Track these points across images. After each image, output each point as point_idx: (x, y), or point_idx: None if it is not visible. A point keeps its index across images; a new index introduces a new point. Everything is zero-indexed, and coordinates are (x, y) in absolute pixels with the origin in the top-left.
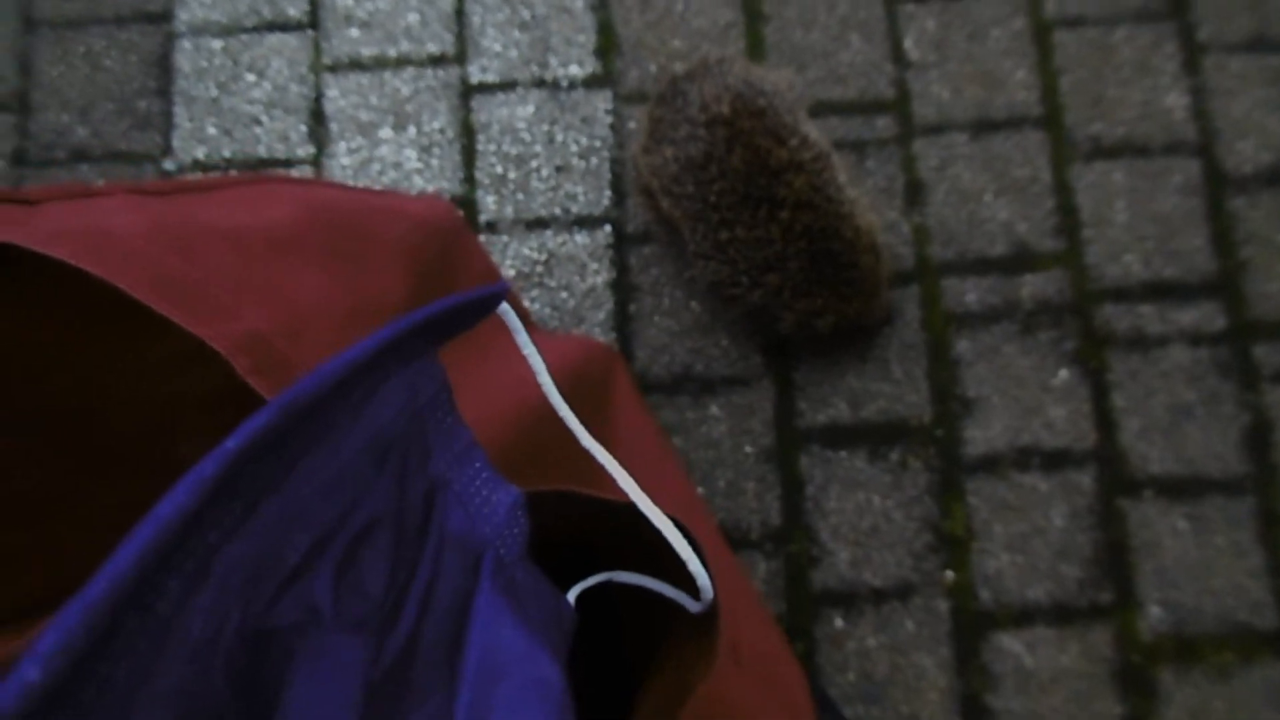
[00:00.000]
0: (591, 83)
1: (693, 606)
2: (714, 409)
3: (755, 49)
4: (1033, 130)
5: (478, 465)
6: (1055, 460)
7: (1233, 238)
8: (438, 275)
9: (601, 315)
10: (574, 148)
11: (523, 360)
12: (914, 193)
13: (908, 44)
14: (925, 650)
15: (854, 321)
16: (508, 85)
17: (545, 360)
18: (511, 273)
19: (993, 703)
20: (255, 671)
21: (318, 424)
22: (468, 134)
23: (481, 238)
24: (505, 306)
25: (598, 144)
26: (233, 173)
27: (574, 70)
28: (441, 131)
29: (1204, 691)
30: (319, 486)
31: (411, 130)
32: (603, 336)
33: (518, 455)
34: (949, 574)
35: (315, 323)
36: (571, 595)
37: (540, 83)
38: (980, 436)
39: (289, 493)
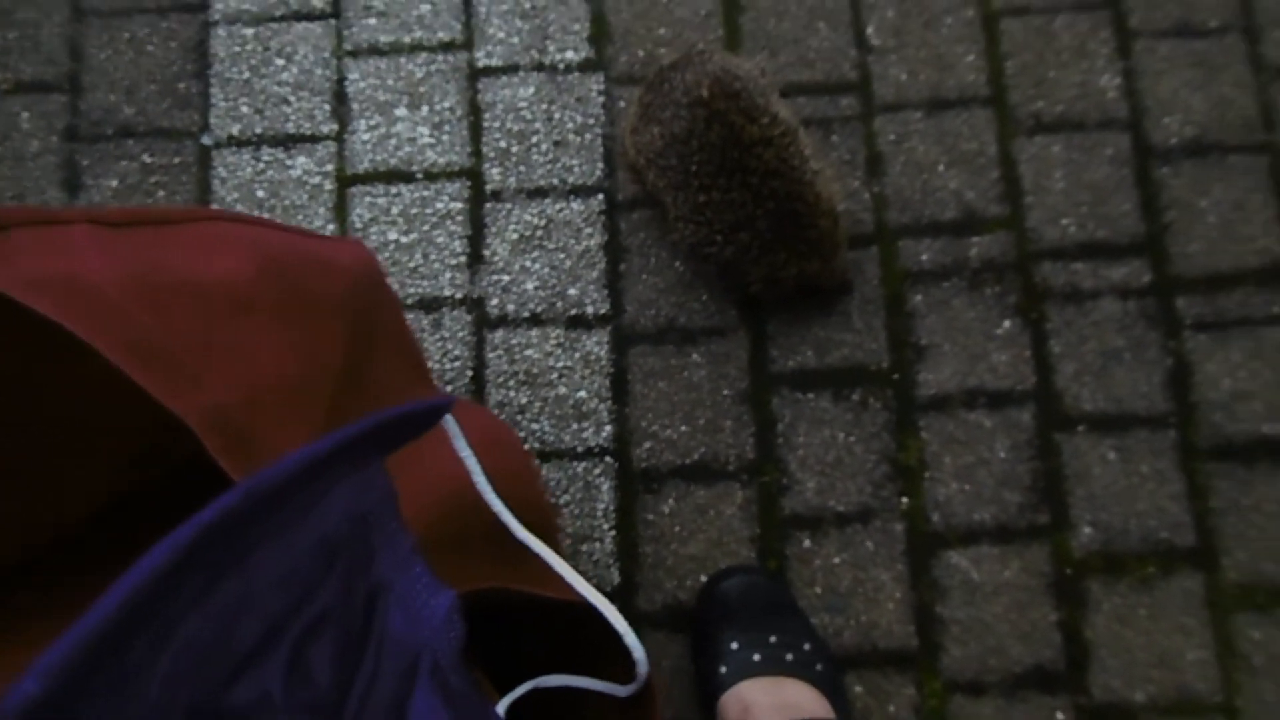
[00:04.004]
0: (586, 66)
1: (620, 691)
2: (695, 356)
3: (733, 36)
4: (980, 108)
5: (418, 570)
6: (998, 400)
7: (1158, 203)
8: (366, 334)
9: (595, 274)
10: (570, 125)
11: (454, 455)
12: (874, 164)
13: (869, 31)
14: (883, 567)
15: (814, 280)
16: (510, 69)
17: (467, 434)
18: (515, 237)
19: (942, 612)
20: None
21: (273, 513)
22: (475, 112)
23: (487, 205)
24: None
25: (591, 121)
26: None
27: (570, 55)
28: (451, 110)
29: (1129, 600)
30: (271, 577)
31: (425, 109)
32: (595, 294)
33: (451, 551)
34: (904, 500)
35: (271, 393)
36: (501, 707)
37: (540, 66)
38: (932, 379)
39: (244, 578)
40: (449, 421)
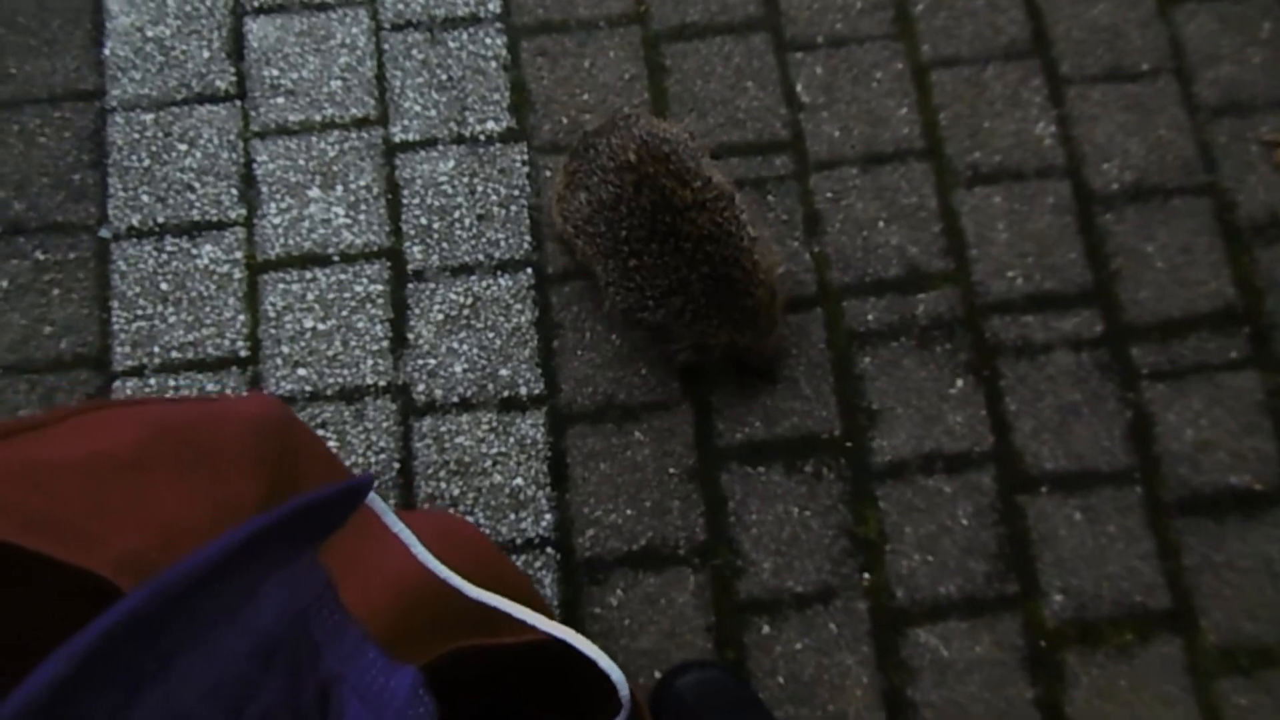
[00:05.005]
0: (507, 137)
1: None
2: (637, 434)
3: (659, 100)
4: (917, 161)
5: (371, 655)
6: (957, 463)
7: (1104, 250)
8: (288, 471)
9: (527, 353)
10: (494, 197)
11: (404, 549)
12: (812, 223)
13: (799, 88)
14: (848, 650)
15: (743, 354)
16: (429, 143)
17: (415, 532)
18: (440, 318)
19: (913, 695)
20: None
21: (191, 615)
22: (393, 190)
23: (409, 286)
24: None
25: (516, 193)
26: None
27: (490, 126)
28: (368, 189)
29: (1108, 671)
30: (201, 688)
31: (339, 189)
32: (528, 373)
33: (413, 630)
34: (865, 576)
35: (185, 534)
36: None
37: (459, 139)
38: (887, 445)
39: (170, 691)
40: (375, 501)
